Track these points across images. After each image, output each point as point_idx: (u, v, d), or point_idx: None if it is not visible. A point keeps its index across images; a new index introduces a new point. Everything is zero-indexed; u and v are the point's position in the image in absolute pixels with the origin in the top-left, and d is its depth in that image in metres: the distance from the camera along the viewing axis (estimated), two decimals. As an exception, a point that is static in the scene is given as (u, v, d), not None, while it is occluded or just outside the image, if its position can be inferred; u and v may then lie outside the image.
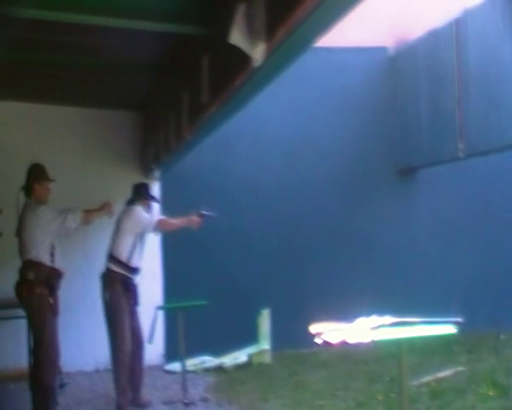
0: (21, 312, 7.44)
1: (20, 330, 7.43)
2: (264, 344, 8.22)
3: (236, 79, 3.96)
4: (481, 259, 9.29)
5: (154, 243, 8.46)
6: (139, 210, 6.43)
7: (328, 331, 3.56)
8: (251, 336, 8.18)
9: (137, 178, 8.42)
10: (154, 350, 8.19)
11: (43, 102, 7.87)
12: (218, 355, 8.12)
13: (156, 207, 7.26)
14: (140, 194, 6.56)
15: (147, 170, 8.22)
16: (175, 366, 7.61)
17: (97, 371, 7.96)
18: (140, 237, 6.41)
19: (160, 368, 8.07)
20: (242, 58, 3.43)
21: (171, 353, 7.89)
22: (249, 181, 8.87)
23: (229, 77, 4.06)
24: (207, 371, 7.87)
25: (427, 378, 6.51)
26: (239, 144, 8.84)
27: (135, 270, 6.37)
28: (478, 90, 7.52)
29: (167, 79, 6.14)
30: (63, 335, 7.30)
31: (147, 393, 6.54)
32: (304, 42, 3.31)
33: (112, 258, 6.32)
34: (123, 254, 6.27)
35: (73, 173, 8.03)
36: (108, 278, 6.26)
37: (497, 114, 7.23)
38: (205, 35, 4.59)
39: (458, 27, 7.86)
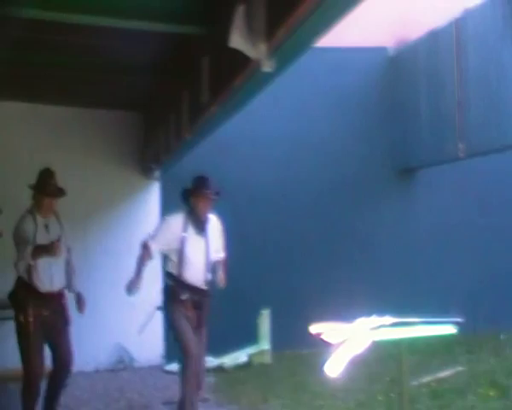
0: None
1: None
2: (264, 344, 8.22)
3: (236, 79, 3.97)
4: (481, 259, 9.29)
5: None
6: (168, 219, 5.44)
7: (328, 331, 3.56)
8: (251, 337, 8.18)
9: (137, 178, 8.44)
10: (154, 350, 8.21)
11: (43, 102, 7.87)
12: (218, 355, 8.11)
13: (217, 226, 5.66)
14: (184, 197, 5.40)
15: (147, 170, 8.22)
16: (175, 367, 7.60)
17: (97, 371, 7.95)
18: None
19: (159, 368, 8.08)
20: (242, 58, 3.43)
21: (171, 353, 7.88)
22: (249, 181, 8.86)
23: (229, 77, 4.07)
24: (207, 371, 7.86)
25: (427, 378, 6.51)
26: (238, 144, 8.83)
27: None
28: (478, 90, 7.52)
29: (167, 79, 6.14)
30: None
31: (147, 393, 6.54)
32: (304, 42, 3.31)
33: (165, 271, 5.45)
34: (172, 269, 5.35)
35: (73, 173, 8.00)
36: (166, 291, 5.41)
37: (497, 115, 7.23)
38: (205, 35, 4.59)
39: (458, 27, 7.86)
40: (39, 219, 5.38)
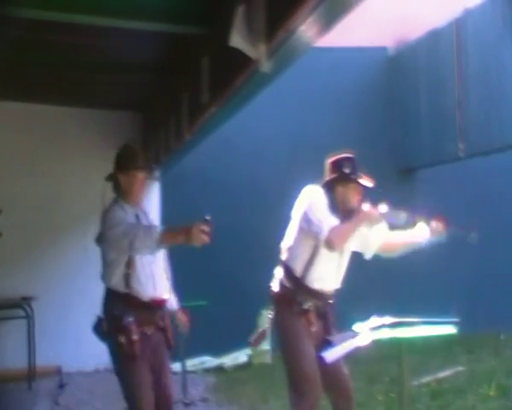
0: (21, 312, 7.46)
1: (20, 330, 7.43)
2: (265, 344, 8.20)
3: (236, 79, 3.97)
4: (481, 259, 9.27)
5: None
6: (314, 201, 4.27)
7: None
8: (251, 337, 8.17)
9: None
10: (154, 350, 8.17)
11: (43, 102, 7.86)
12: (218, 355, 8.11)
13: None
14: (329, 186, 4.31)
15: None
16: (175, 366, 7.60)
17: (97, 371, 7.94)
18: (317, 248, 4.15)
19: (160, 368, 8.06)
20: (242, 58, 3.43)
21: (171, 353, 7.87)
22: (250, 179, 8.86)
23: (229, 77, 4.07)
24: (207, 371, 7.87)
25: (427, 378, 6.51)
26: (240, 142, 8.83)
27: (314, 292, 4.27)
28: (478, 89, 7.52)
29: (167, 79, 6.14)
30: (63, 334, 7.31)
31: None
32: (304, 42, 3.31)
33: (285, 268, 4.37)
34: (296, 267, 4.33)
35: (73, 174, 8.02)
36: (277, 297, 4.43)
37: (498, 114, 7.23)
38: (205, 35, 4.59)
39: (458, 27, 7.86)
40: (127, 208, 4.20)
